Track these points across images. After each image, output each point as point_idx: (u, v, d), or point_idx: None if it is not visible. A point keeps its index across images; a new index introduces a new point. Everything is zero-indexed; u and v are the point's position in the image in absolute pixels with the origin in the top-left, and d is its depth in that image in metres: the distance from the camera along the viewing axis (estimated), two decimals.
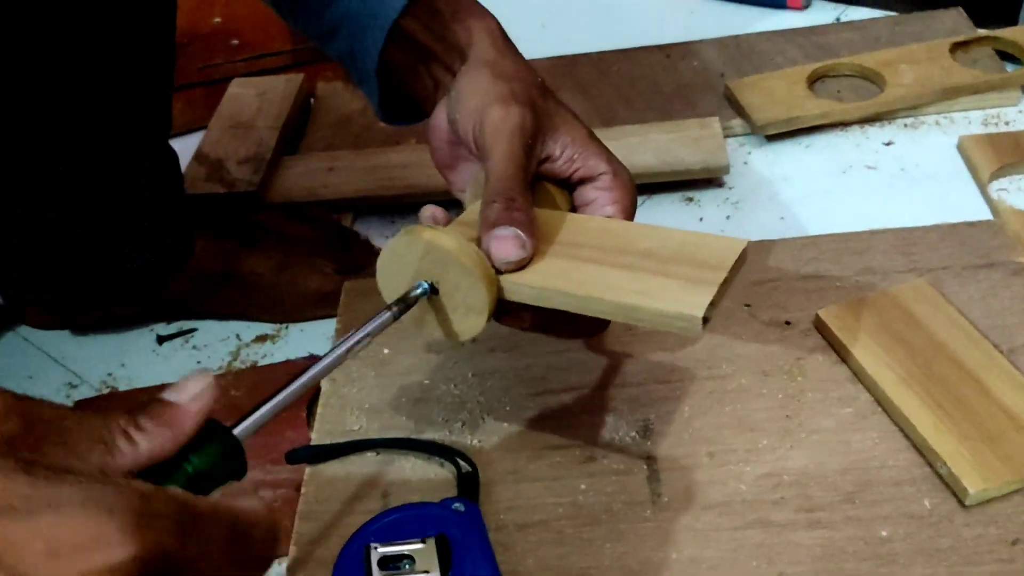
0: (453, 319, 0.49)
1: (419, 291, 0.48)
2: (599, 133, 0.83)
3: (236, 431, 0.39)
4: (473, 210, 0.51)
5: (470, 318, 0.48)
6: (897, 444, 0.56)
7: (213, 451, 0.37)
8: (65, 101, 0.61)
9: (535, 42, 1.04)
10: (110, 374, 0.74)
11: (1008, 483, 0.52)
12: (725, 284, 0.46)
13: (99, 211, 0.69)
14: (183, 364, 0.74)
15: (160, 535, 0.31)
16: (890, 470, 0.54)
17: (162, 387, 0.68)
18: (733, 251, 0.47)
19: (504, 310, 0.49)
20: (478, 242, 0.48)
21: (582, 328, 0.51)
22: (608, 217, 0.52)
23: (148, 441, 0.35)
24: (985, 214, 0.75)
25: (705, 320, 0.44)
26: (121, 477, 0.33)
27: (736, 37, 0.98)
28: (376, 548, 0.49)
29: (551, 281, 0.47)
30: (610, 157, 0.52)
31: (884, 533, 0.51)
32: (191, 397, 0.37)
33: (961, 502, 0.52)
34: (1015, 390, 0.56)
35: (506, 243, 0.47)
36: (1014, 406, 0.55)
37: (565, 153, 0.51)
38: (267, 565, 0.36)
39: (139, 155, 0.69)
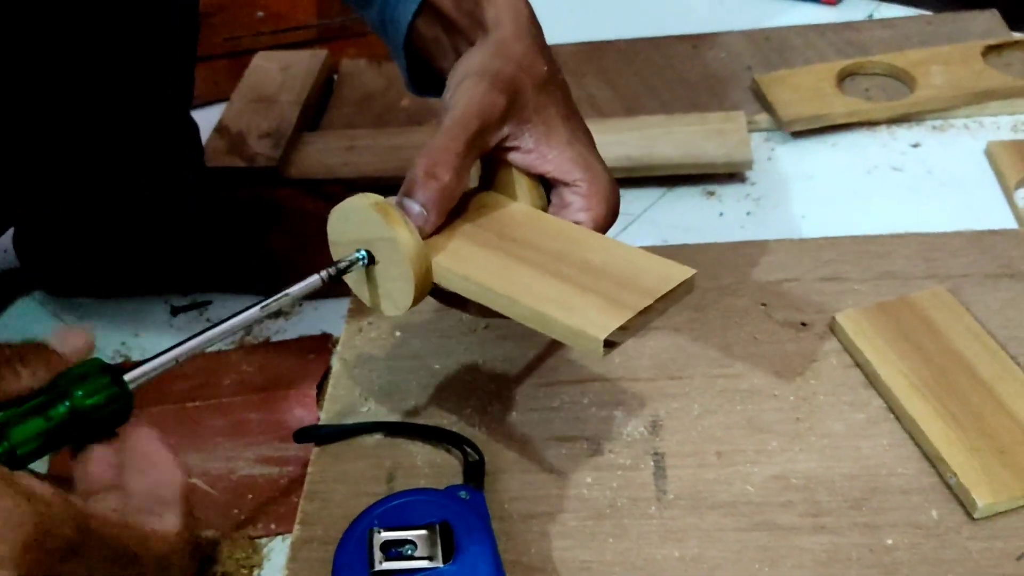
0: (380, 297, 0.50)
1: (358, 262, 0.48)
2: (621, 122, 0.84)
3: (128, 376, 0.41)
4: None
5: (390, 307, 0.49)
6: (907, 452, 0.55)
7: (98, 384, 0.39)
8: (86, 67, 0.61)
9: (561, 27, 1.03)
10: (123, 343, 0.74)
11: (1017, 497, 0.51)
12: (650, 311, 0.44)
13: (118, 177, 0.69)
14: None
15: (48, 556, 0.32)
16: (899, 478, 0.54)
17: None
18: (672, 279, 0.45)
19: (445, 294, 0.50)
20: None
21: None
22: (577, 223, 0.51)
23: (30, 374, 0.39)
24: (1010, 221, 0.74)
25: (612, 344, 0.43)
26: (24, 476, 0.34)
27: (765, 30, 0.97)
28: (379, 532, 0.49)
29: (480, 275, 0.47)
30: (589, 165, 0.51)
31: (889, 541, 0.51)
32: (73, 351, 0.41)
33: (969, 514, 0.52)
34: None
35: (409, 214, 0.48)
36: None
37: (538, 148, 0.50)
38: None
39: (160, 124, 0.69)
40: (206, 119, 0.84)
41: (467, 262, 0.48)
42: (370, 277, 0.49)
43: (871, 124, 0.86)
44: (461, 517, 0.50)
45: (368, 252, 0.48)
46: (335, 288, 0.73)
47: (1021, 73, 0.87)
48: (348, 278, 0.50)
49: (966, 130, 0.85)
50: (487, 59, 0.51)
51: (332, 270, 0.48)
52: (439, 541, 0.48)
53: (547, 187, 0.53)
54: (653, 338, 0.63)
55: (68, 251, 0.76)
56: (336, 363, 0.64)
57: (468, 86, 0.49)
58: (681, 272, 0.46)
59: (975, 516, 0.52)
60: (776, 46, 0.95)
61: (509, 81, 0.50)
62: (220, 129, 0.88)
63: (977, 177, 0.80)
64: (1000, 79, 0.86)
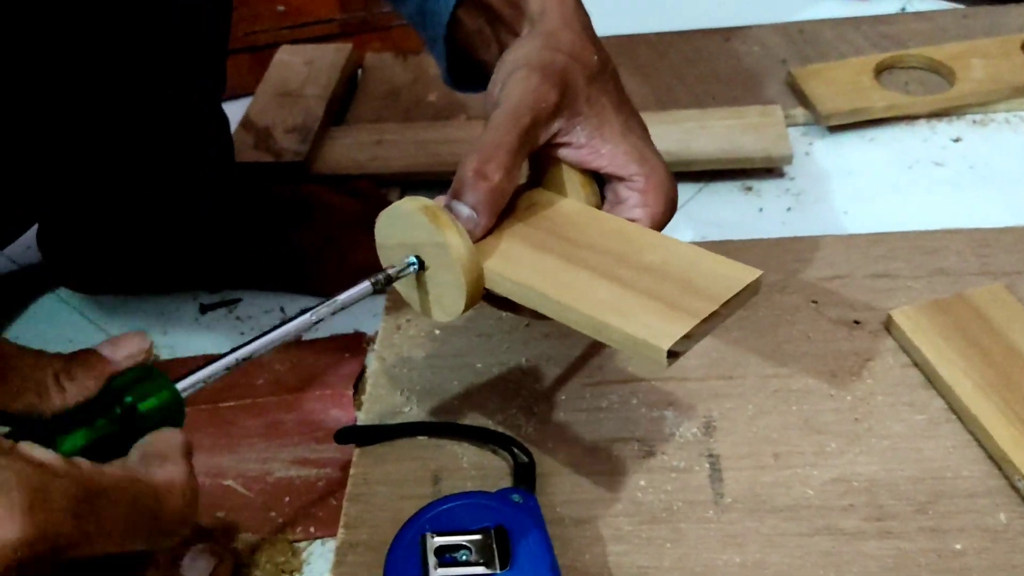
0: (430, 303, 0.48)
1: (409, 269, 0.47)
2: (656, 115, 0.82)
3: (180, 385, 0.39)
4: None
5: (440, 313, 0.48)
6: (972, 454, 0.53)
7: (151, 392, 0.37)
8: (117, 59, 0.59)
9: (592, 20, 1.02)
10: (151, 342, 0.72)
11: None
12: (715, 316, 0.42)
13: (146, 171, 0.67)
14: (226, 335, 0.72)
15: (54, 515, 0.31)
16: (964, 481, 0.52)
17: (204, 357, 0.68)
18: (738, 282, 0.43)
19: (497, 298, 0.48)
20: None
21: None
22: (633, 220, 0.49)
23: (77, 390, 0.37)
24: None
25: (675, 354, 0.40)
26: (25, 446, 0.33)
27: (799, 23, 0.96)
28: (432, 537, 0.47)
29: (534, 280, 0.45)
30: (644, 158, 0.49)
31: (958, 546, 0.49)
32: (125, 357, 0.38)
33: None
34: None
35: (459, 217, 0.46)
36: None
37: (591, 143, 0.49)
38: (177, 534, 0.36)
39: (190, 118, 0.67)
40: (229, 113, 0.82)
41: (519, 266, 0.46)
42: (420, 282, 0.47)
43: (910, 118, 0.84)
44: (516, 521, 0.48)
45: (418, 258, 0.46)
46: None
47: None
48: (398, 284, 0.48)
49: (1007, 124, 0.83)
50: (536, 50, 0.49)
51: (383, 277, 0.46)
52: (495, 546, 0.46)
53: (600, 182, 0.51)
54: None
55: (93, 248, 0.74)
56: (374, 362, 0.63)
57: (519, 78, 0.47)
58: (747, 273, 0.43)
59: None
60: (810, 39, 0.93)
61: (561, 73, 0.48)
62: (246, 124, 0.87)
63: (1020, 171, 0.78)
64: None
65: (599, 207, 0.50)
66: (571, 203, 0.50)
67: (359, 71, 0.97)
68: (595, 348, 0.62)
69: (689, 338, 0.41)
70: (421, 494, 0.54)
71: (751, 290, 0.43)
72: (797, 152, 0.82)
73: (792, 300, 0.63)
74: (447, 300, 0.47)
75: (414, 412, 0.59)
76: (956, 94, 0.84)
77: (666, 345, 0.40)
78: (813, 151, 0.83)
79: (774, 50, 0.92)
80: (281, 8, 1.09)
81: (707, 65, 0.91)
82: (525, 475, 0.53)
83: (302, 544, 0.57)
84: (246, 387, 0.66)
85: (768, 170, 0.80)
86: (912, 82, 0.87)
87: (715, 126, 0.81)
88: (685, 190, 0.80)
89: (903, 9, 1.00)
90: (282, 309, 0.74)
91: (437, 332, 0.64)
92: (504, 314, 0.64)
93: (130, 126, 0.63)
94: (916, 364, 0.58)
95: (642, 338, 0.41)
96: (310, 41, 1.02)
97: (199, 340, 0.72)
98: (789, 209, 0.77)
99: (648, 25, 0.97)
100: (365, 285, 0.45)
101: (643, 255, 0.46)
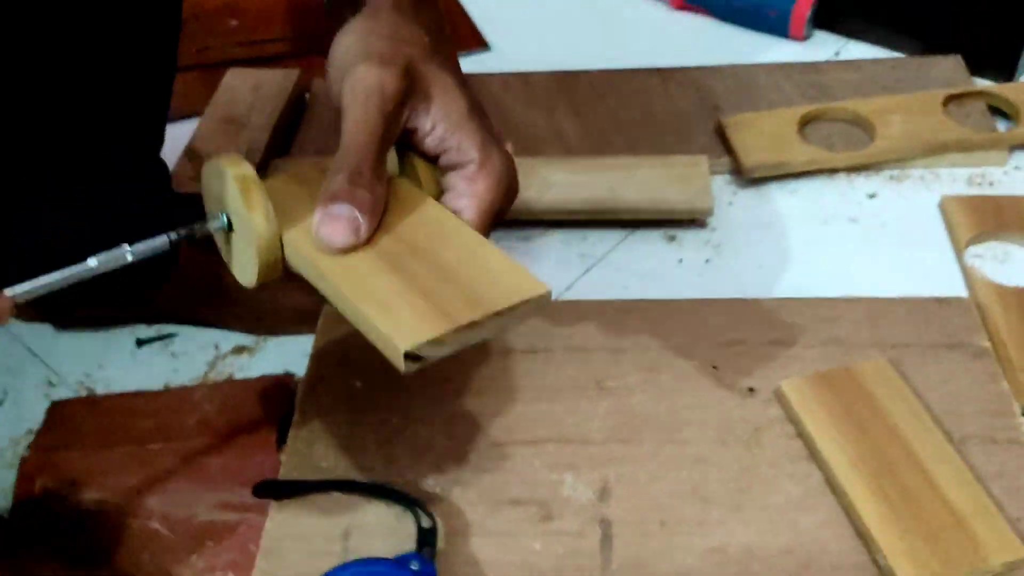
0: (234, 263, 0.49)
1: (216, 226, 0.48)
2: (589, 161, 0.85)
3: None
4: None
5: (240, 275, 0.49)
6: (842, 529, 0.57)
7: None
8: (58, 99, 0.61)
9: (533, 56, 1.04)
10: (88, 375, 0.75)
11: None
12: (476, 326, 0.41)
13: (84, 214, 0.69)
14: (160, 370, 0.75)
15: None
16: (831, 555, 0.56)
17: (138, 394, 0.69)
18: (518, 294, 0.42)
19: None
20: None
21: None
22: (461, 208, 0.48)
23: None
24: (959, 281, 0.76)
25: (417, 358, 0.40)
26: None
27: (734, 67, 0.98)
28: None
29: (322, 260, 0.45)
30: (485, 142, 0.48)
31: None
32: None
33: None
34: (960, 486, 0.58)
35: (338, 224, 0.44)
36: (957, 502, 0.57)
37: (436, 130, 0.48)
38: None
39: (130, 165, 0.69)
40: (176, 135, 0.84)
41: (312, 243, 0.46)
42: (229, 240, 0.49)
43: (831, 171, 0.88)
44: None
45: (228, 221, 0.48)
46: (300, 326, 0.76)
47: (979, 125, 0.89)
48: (214, 230, 0.49)
49: (922, 181, 0.87)
50: (362, 39, 0.48)
51: (184, 232, 0.47)
52: None
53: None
54: (606, 399, 0.65)
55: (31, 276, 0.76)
56: (296, 414, 0.66)
57: (357, 74, 0.46)
58: (529, 288, 0.42)
59: None
60: (744, 83, 0.96)
61: (396, 57, 0.47)
62: (189, 152, 0.89)
63: (930, 231, 0.82)
64: (957, 131, 0.88)
65: (438, 193, 0.50)
66: (406, 189, 0.49)
67: (306, 96, 0.99)
68: (507, 407, 0.65)
69: (440, 344, 0.40)
70: (330, 551, 0.57)
71: (533, 304, 0.42)
72: (721, 202, 0.86)
73: (693, 364, 0.67)
74: (245, 268, 0.48)
75: (331, 466, 0.62)
76: (874, 150, 0.87)
77: (405, 346, 0.40)
78: (736, 200, 0.86)
79: (709, 93, 0.95)
80: (233, 22, 1.11)
81: (642, 109, 0.94)
82: (427, 539, 0.56)
83: None
84: (175, 428, 0.69)
85: (692, 220, 0.84)
86: (836, 134, 0.90)
87: (642, 175, 0.84)
88: (611, 237, 0.84)
89: (837, 54, 1.03)
90: (216, 346, 0.76)
91: (358, 384, 0.67)
92: (420, 369, 0.67)
93: (67, 155, 0.65)
94: (800, 436, 0.62)
95: (388, 333, 0.41)
96: (261, 60, 1.03)
97: (135, 374, 0.75)
98: (708, 261, 0.81)
99: (588, 62, 1.00)
100: (162, 239, 0.46)
101: (442, 252, 0.45)
